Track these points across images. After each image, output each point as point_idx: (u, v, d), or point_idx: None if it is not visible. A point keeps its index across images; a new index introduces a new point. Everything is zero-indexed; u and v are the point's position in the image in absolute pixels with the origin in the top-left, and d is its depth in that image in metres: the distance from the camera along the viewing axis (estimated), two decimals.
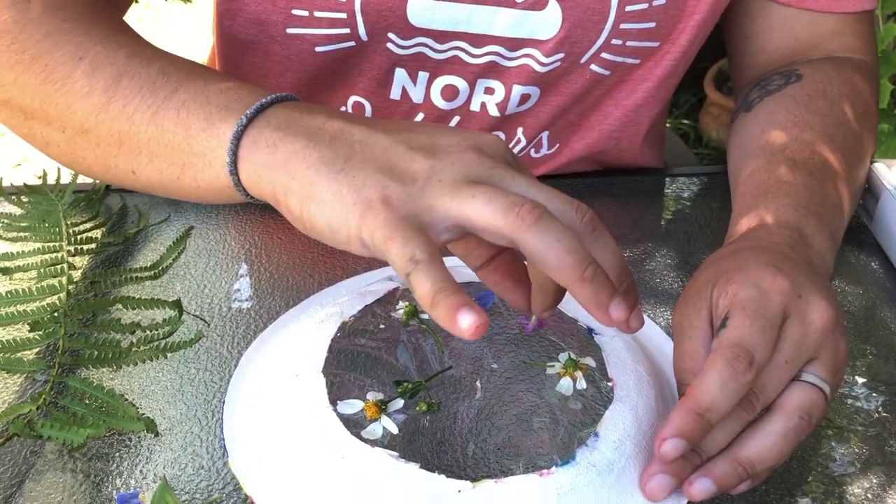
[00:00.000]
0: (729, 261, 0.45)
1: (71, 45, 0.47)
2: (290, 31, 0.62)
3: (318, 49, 0.63)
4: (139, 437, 0.47)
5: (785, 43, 0.68)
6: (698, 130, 2.04)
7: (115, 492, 0.44)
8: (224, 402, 0.48)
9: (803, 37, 0.67)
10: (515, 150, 0.69)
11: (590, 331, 0.50)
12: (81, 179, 0.69)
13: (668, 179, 0.72)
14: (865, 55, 0.68)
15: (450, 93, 0.65)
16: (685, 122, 2.08)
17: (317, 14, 0.60)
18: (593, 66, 0.64)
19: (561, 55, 0.63)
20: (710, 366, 0.40)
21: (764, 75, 0.67)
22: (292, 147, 0.40)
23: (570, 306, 0.52)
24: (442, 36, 0.61)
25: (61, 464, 0.45)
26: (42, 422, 0.46)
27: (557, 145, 0.70)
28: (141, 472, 0.45)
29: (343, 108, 0.67)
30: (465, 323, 0.34)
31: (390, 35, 0.61)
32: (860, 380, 0.52)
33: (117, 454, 0.46)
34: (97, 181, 0.69)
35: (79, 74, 0.46)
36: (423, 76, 0.64)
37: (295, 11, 0.61)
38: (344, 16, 0.60)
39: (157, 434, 0.47)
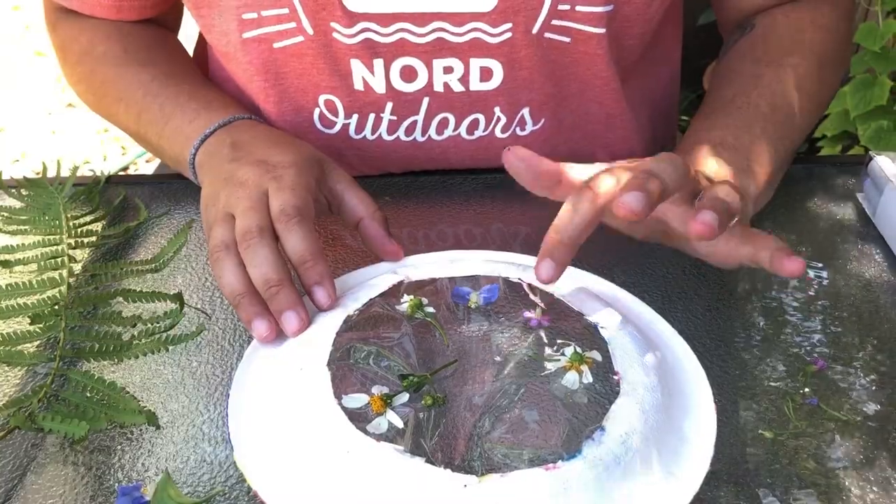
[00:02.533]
0: None
1: (113, 91, 0.69)
2: (245, 35, 0.64)
3: (275, 45, 0.64)
4: (141, 430, 0.47)
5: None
6: None
7: (116, 485, 0.44)
8: (228, 396, 0.48)
9: None
10: (498, 129, 0.69)
11: (596, 324, 0.50)
12: (81, 172, 0.68)
13: None
14: None
15: (408, 74, 0.65)
16: (684, 118, 2.08)
17: (263, 13, 0.62)
18: (549, 35, 0.64)
19: (509, 24, 0.63)
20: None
21: (733, 28, 0.72)
22: (207, 165, 0.61)
23: (576, 301, 0.52)
24: (383, 19, 0.62)
25: (63, 457, 0.45)
26: (43, 414, 0.46)
27: (543, 120, 0.69)
28: (143, 464, 0.45)
29: (317, 109, 0.68)
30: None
31: (333, 25, 0.62)
32: (864, 373, 0.52)
33: (119, 447, 0.46)
34: (96, 174, 0.68)
35: (122, 112, 0.69)
36: (378, 64, 0.64)
37: (245, 15, 0.63)
38: (286, 10, 0.62)
39: (158, 427, 0.47)
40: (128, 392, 0.49)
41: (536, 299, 0.52)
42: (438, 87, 0.66)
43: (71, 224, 0.61)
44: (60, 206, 0.63)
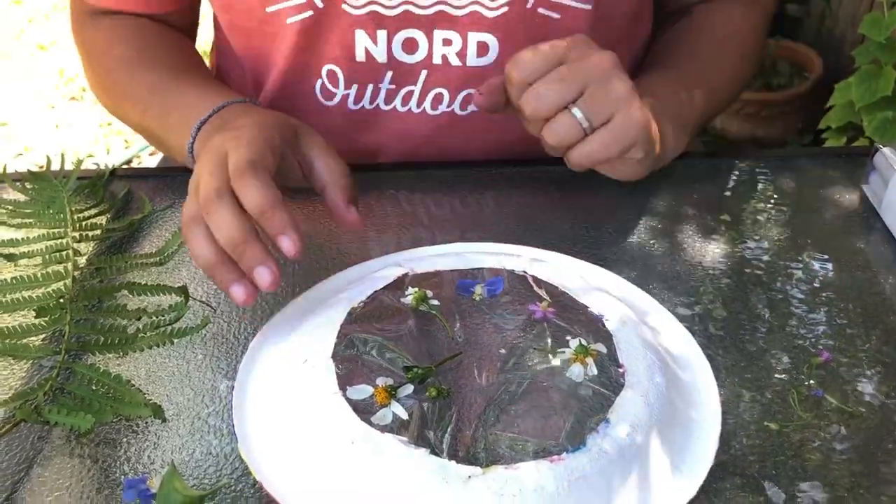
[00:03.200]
0: None
1: (123, 91, 0.72)
2: (268, 9, 0.66)
3: (288, 21, 0.66)
4: (146, 422, 0.47)
5: None
6: None
7: (122, 477, 0.44)
8: (233, 388, 0.48)
9: None
10: None
11: (601, 317, 0.50)
12: (84, 166, 0.68)
13: (682, 164, 0.71)
14: None
15: (410, 46, 0.67)
16: None
17: None
18: (542, 11, 0.66)
19: None
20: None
21: (672, 12, 0.78)
22: (199, 148, 0.61)
23: (582, 292, 0.52)
24: None
25: (69, 449, 0.45)
26: (49, 407, 0.46)
27: None
28: (149, 457, 0.45)
29: (319, 80, 0.70)
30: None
31: None
32: (869, 365, 0.52)
33: (125, 440, 0.46)
34: (100, 167, 0.68)
35: (129, 110, 0.72)
36: (381, 35, 0.66)
37: None
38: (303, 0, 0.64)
39: (164, 420, 0.47)
40: (133, 385, 0.49)
41: (541, 292, 0.52)
42: (437, 60, 0.68)
43: (75, 217, 0.61)
44: (65, 200, 0.63)
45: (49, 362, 0.50)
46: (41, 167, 0.69)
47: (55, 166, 0.68)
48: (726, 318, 0.55)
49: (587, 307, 0.51)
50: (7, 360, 0.51)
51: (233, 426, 0.46)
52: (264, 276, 0.48)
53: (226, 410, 0.47)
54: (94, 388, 0.47)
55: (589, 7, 0.67)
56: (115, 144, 2.20)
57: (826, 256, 0.61)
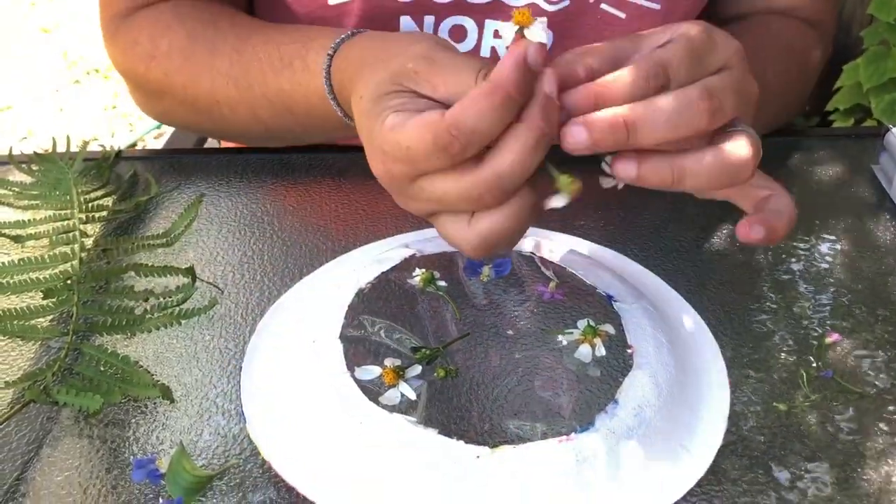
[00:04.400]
0: None
1: (202, 92, 0.60)
2: None
3: (329, 3, 0.62)
4: (155, 403, 0.47)
5: (740, 5, 0.70)
6: None
7: (131, 457, 0.44)
8: (241, 369, 0.48)
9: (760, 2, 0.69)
10: None
11: (609, 298, 0.50)
12: (90, 148, 0.68)
13: None
14: (819, 15, 0.70)
15: (458, 34, 0.64)
16: None
17: None
18: (605, 6, 0.63)
19: None
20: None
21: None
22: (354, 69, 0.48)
23: (589, 274, 0.52)
24: None
25: (78, 430, 0.45)
26: (58, 388, 0.46)
27: None
28: (157, 437, 0.45)
29: None
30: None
31: None
32: (878, 345, 0.52)
33: (133, 420, 0.46)
34: (106, 149, 0.68)
35: (227, 113, 0.60)
36: (428, 20, 0.63)
37: None
38: None
39: (172, 401, 0.47)
40: (141, 366, 0.49)
41: (549, 273, 0.52)
42: (485, 52, 0.64)
43: (82, 199, 0.61)
44: (71, 181, 0.63)
45: (57, 343, 0.50)
46: (46, 150, 0.68)
47: (60, 149, 0.68)
48: (735, 298, 0.55)
49: (595, 288, 0.50)
50: (15, 342, 0.51)
51: (241, 407, 0.46)
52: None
53: (234, 391, 0.48)
54: (102, 368, 0.48)
55: (657, 7, 0.63)
56: (120, 128, 2.20)
57: (835, 237, 0.61)
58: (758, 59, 0.59)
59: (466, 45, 0.65)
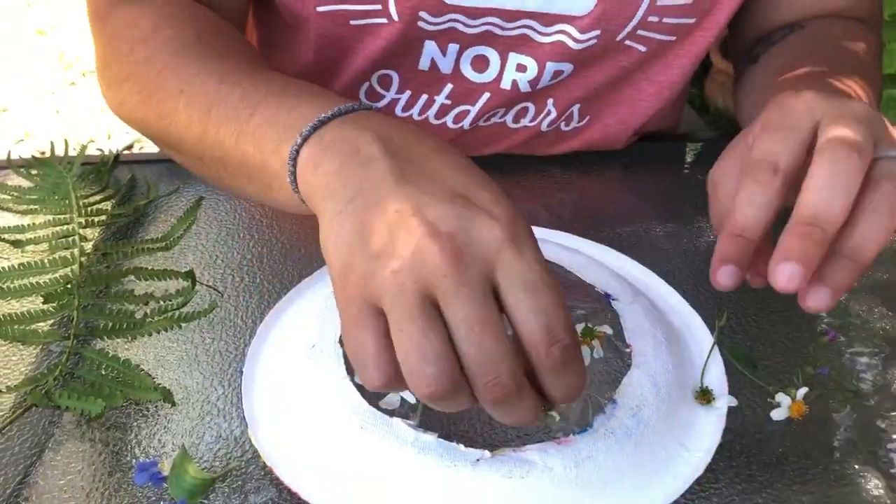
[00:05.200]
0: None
1: (174, 79, 0.50)
2: (319, 9, 0.60)
3: (352, 22, 0.61)
4: (157, 406, 0.47)
5: (791, 12, 0.67)
6: (703, 98, 2.02)
7: (134, 461, 0.44)
8: (241, 372, 0.48)
9: (810, 8, 0.67)
10: (545, 123, 0.68)
11: (607, 296, 0.50)
12: (90, 149, 0.68)
13: (688, 145, 0.71)
14: (865, 12, 0.68)
15: (480, 64, 0.64)
16: (691, 90, 2.07)
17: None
18: (629, 42, 0.63)
19: (597, 32, 0.61)
20: (739, 189, 0.39)
21: (770, 31, 0.68)
22: (326, 169, 0.38)
23: (587, 272, 0.52)
24: (474, 12, 0.60)
25: (80, 433, 0.46)
26: (60, 392, 0.46)
27: (588, 118, 0.69)
28: (159, 440, 0.45)
29: (367, 84, 0.66)
30: None
31: (422, 14, 0.60)
32: (876, 343, 0.52)
33: (135, 424, 0.46)
34: (104, 153, 0.68)
35: (181, 108, 0.49)
36: (452, 48, 0.63)
37: None
38: (379, 7, 0.59)
39: (173, 404, 0.47)
40: (142, 369, 0.49)
41: None
42: (506, 84, 0.64)
43: (81, 203, 0.61)
44: (70, 186, 0.63)
45: (58, 348, 0.51)
46: (42, 153, 0.69)
47: (59, 152, 0.68)
48: (733, 297, 0.55)
49: (593, 286, 0.51)
50: (16, 346, 0.51)
51: (242, 410, 0.46)
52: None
53: (235, 394, 0.48)
54: (103, 372, 0.48)
55: (673, 39, 0.64)
56: (117, 129, 2.19)
57: None
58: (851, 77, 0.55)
59: (486, 77, 0.65)
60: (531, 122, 0.68)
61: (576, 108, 0.68)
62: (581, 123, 0.70)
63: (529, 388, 0.35)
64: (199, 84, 0.49)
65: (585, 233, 0.60)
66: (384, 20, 0.61)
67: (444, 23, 0.61)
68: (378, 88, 0.66)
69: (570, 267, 0.52)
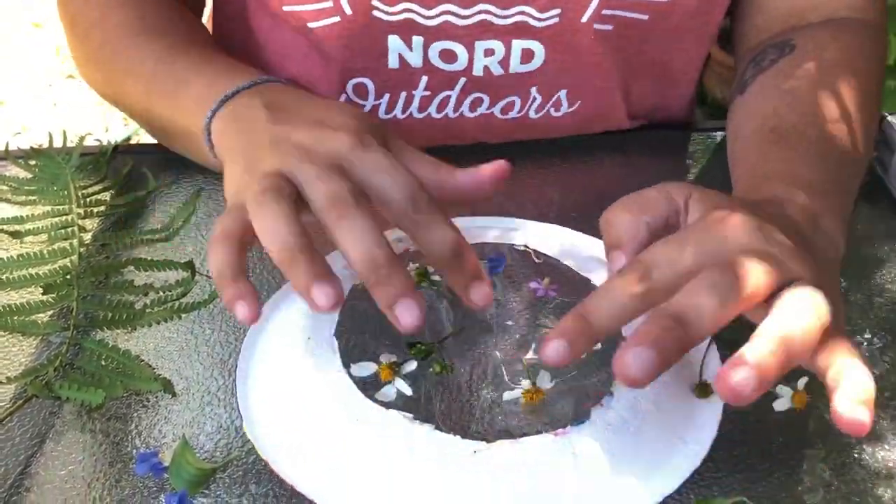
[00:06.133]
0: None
1: (122, 62, 0.61)
2: (286, 8, 0.61)
3: (310, 25, 0.62)
4: (157, 397, 0.47)
5: (783, 4, 0.67)
6: (702, 89, 2.02)
7: (134, 451, 0.44)
8: (236, 367, 0.48)
9: (810, 9, 0.66)
10: (532, 109, 0.68)
11: None
12: (88, 142, 0.68)
13: (693, 134, 0.71)
14: (869, 13, 0.66)
15: (448, 56, 0.64)
16: None
17: None
18: (597, 25, 0.63)
19: (557, 10, 0.61)
20: (608, 277, 0.40)
21: (760, 47, 0.66)
22: (227, 134, 0.50)
23: (584, 266, 0.52)
24: (428, 1, 0.60)
25: (80, 424, 0.46)
26: (60, 383, 0.46)
27: (580, 102, 0.69)
28: (160, 431, 0.45)
29: (343, 95, 0.66)
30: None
31: (374, 3, 0.60)
32: (874, 336, 0.52)
33: (135, 414, 0.46)
34: (102, 144, 0.68)
35: (129, 88, 0.61)
36: (417, 41, 0.63)
37: None
38: (330, 4, 0.60)
39: (174, 394, 0.47)
40: (142, 360, 0.49)
41: (543, 267, 0.52)
42: (478, 72, 0.64)
43: (80, 194, 0.61)
44: (68, 176, 0.63)
45: (58, 338, 0.51)
46: (40, 145, 0.69)
47: (57, 144, 0.68)
48: None
49: (589, 280, 0.51)
50: (16, 337, 0.51)
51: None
52: (411, 313, 0.39)
53: (234, 384, 0.48)
54: (103, 363, 0.48)
55: (645, 17, 0.63)
56: (114, 122, 2.19)
57: None
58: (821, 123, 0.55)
59: (457, 66, 0.64)
60: (519, 112, 0.68)
61: (562, 94, 0.67)
62: (572, 108, 0.69)
63: (367, 203, 0.41)
64: (141, 65, 0.59)
65: (580, 227, 0.60)
66: (338, 18, 0.61)
67: (399, 13, 0.60)
68: (356, 99, 0.66)
69: (565, 261, 0.52)
